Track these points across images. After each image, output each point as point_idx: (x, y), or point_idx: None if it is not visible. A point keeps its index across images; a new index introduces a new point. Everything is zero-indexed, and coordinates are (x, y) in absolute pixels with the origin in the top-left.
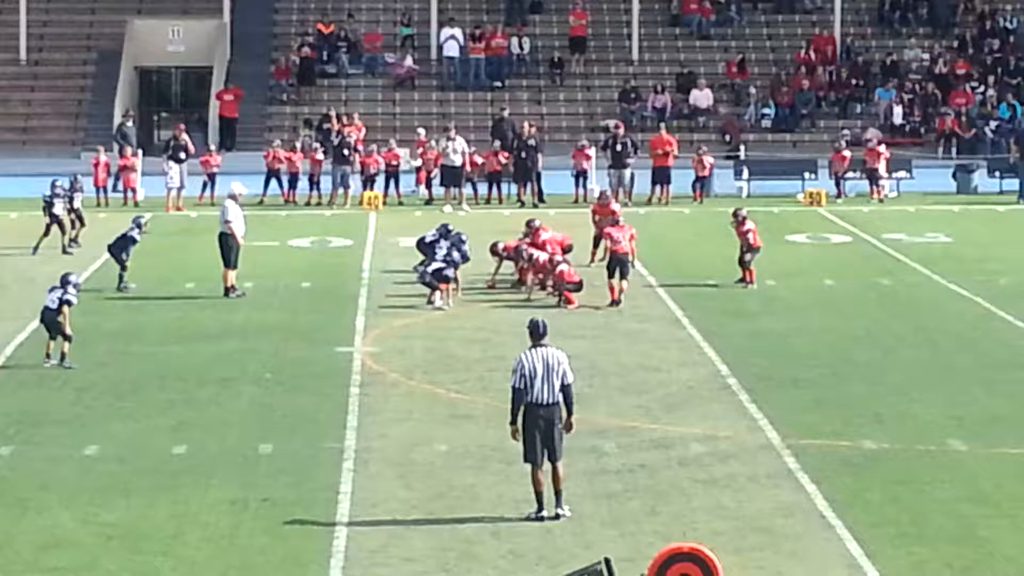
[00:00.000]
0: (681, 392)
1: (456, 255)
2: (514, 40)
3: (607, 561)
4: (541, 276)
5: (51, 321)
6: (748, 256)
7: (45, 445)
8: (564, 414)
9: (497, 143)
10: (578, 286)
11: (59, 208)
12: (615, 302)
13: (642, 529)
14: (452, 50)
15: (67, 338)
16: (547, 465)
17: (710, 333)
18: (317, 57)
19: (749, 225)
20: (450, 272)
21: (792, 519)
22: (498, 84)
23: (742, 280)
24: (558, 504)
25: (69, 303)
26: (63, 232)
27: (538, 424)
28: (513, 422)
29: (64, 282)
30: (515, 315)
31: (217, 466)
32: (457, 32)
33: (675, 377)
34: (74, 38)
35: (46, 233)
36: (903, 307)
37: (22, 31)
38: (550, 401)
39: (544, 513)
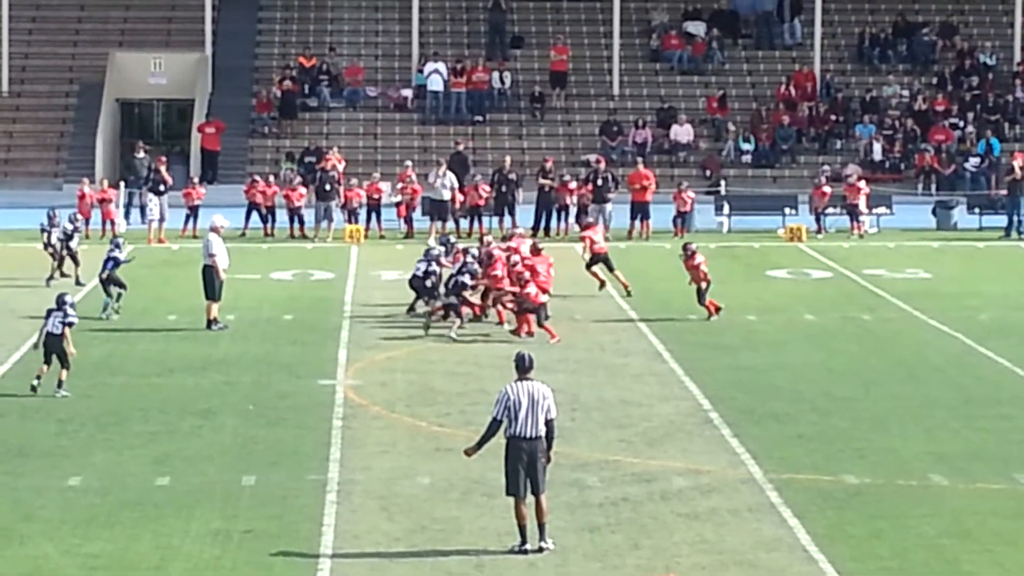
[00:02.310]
0: (663, 426)
1: (472, 264)
2: (495, 74)
3: None
4: (499, 288)
5: (56, 346)
6: (703, 288)
7: (28, 476)
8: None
9: (451, 176)
10: (534, 310)
11: (54, 238)
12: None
13: (625, 562)
14: (435, 84)
15: (65, 364)
16: (530, 498)
17: (692, 368)
18: (299, 90)
19: (699, 259)
20: (467, 279)
21: (775, 553)
22: (479, 118)
23: (709, 316)
24: (541, 537)
25: (71, 324)
26: (55, 261)
27: (521, 457)
28: (479, 446)
29: (60, 303)
30: (497, 348)
31: (200, 498)
32: (440, 66)
33: (657, 411)
34: (56, 70)
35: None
36: (883, 342)
37: (4, 62)
38: (533, 435)
39: (527, 546)
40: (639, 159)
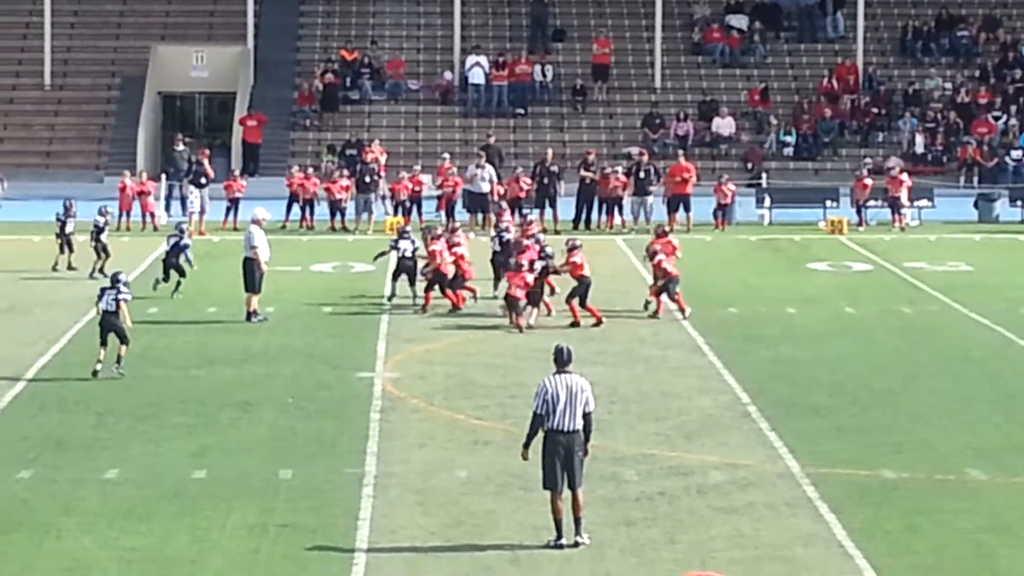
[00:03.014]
0: (701, 420)
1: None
2: (537, 67)
3: None
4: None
5: (112, 324)
6: (671, 287)
7: (66, 469)
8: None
9: (489, 169)
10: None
11: (70, 227)
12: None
13: (661, 557)
14: (477, 77)
15: (124, 340)
16: (567, 492)
17: (730, 360)
18: (340, 83)
19: (660, 257)
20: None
21: (811, 548)
22: (521, 111)
23: (653, 312)
24: (577, 532)
25: (125, 300)
26: (71, 251)
27: (558, 451)
28: (527, 444)
29: (115, 281)
30: (535, 341)
31: (237, 491)
32: (482, 59)
33: (695, 404)
34: (98, 63)
35: (99, 256)
36: (923, 335)
37: (46, 56)
38: (571, 428)
39: (563, 541)
40: (680, 152)
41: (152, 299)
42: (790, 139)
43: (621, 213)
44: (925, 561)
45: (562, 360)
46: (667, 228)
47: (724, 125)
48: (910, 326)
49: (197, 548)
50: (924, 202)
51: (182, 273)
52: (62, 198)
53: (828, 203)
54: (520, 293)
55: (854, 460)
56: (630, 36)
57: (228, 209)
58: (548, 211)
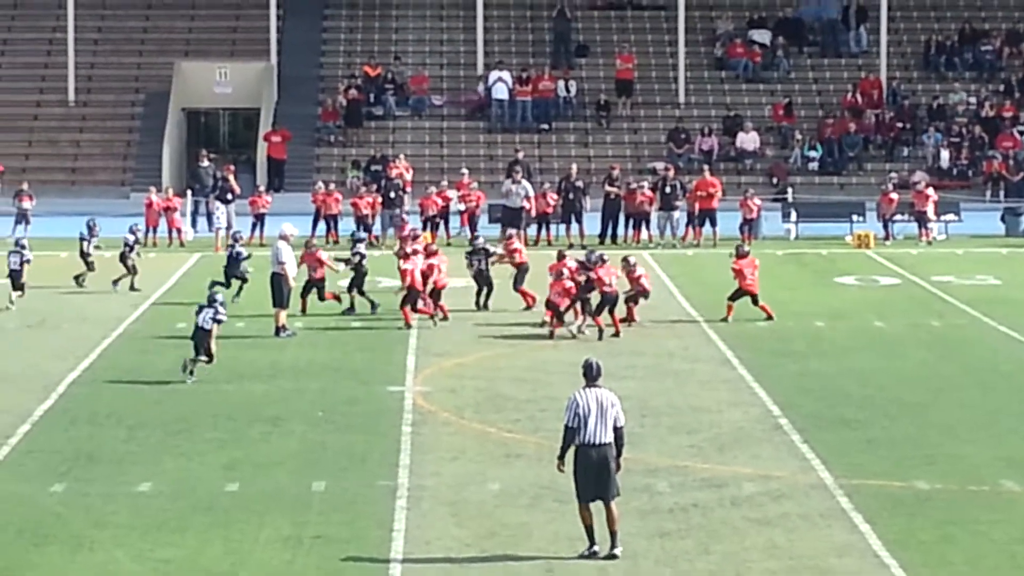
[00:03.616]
0: (733, 432)
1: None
2: (561, 83)
3: None
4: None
5: (203, 340)
6: (641, 300)
7: (98, 482)
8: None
9: (526, 184)
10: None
11: (91, 247)
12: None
13: (695, 568)
14: (500, 92)
15: (210, 357)
16: (599, 505)
17: (760, 374)
18: (364, 99)
19: (640, 271)
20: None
21: (846, 559)
22: (545, 126)
23: (626, 320)
24: (613, 545)
25: (220, 321)
26: (91, 270)
27: (591, 464)
28: (562, 457)
29: (211, 300)
30: (565, 355)
31: (270, 504)
32: (505, 75)
33: (726, 417)
34: (122, 79)
35: (130, 272)
36: (952, 349)
37: (70, 72)
38: (603, 441)
39: (596, 548)
40: (706, 166)
41: (181, 314)
42: (815, 153)
43: (648, 228)
44: (960, 571)
45: (591, 374)
46: (747, 248)
47: (748, 140)
48: (938, 339)
49: (230, 560)
50: (951, 216)
51: (244, 280)
52: (88, 214)
53: (854, 217)
54: (559, 299)
55: (886, 472)
56: (653, 51)
57: (254, 225)
58: (574, 226)
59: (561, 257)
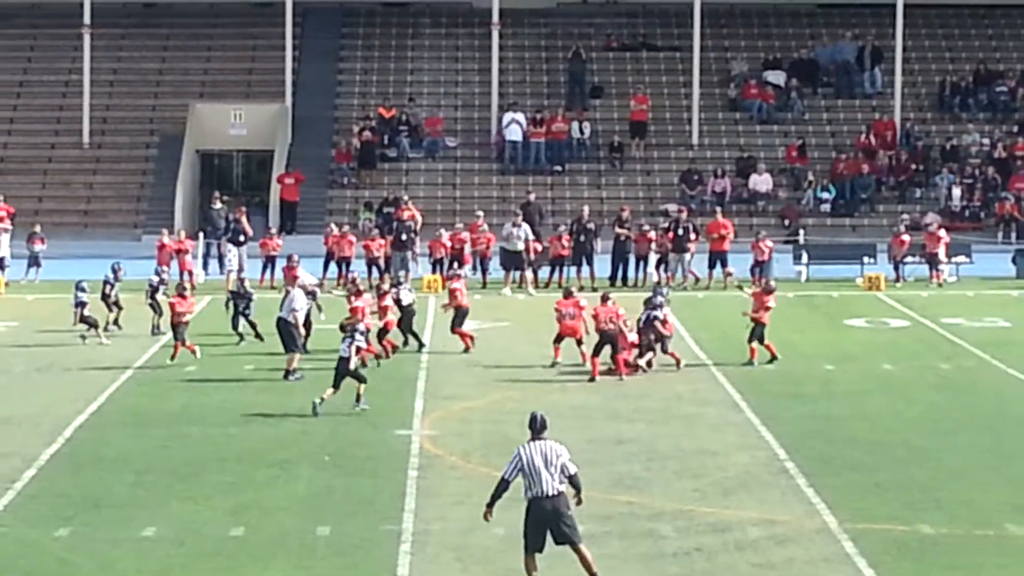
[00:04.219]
0: (739, 476)
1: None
2: (575, 124)
3: None
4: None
5: (346, 369)
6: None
7: (104, 527)
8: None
9: (525, 228)
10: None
11: (114, 291)
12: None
13: None
14: (514, 134)
15: (362, 380)
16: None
17: (769, 417)
18: (378, 141)
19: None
20: (659, 314)
21: None
22: (558, 168)
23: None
24: None
25: (359, 348)
26: (120, 310)
27: (545, 516)
28: (490, 505)
29: (353, 329)
30: (572, 398)
31: (275, 548)
32: (519, 116)
33: (733, 461)
34: (136, 121)
35: (156, 312)
36: (962, 392)
37: (85, 114)
38: (555, 492)
39: None
40: (718, 208)
41: (191, 358)
42: (827, 195)
43: (657, 269)
44: None
45: (536, 427)
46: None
47: (761, 182)
48: (948, 382)
49: None
50: (962, 258)
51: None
52: (100, 257)
53: (866, 259)
54: (626, 355)
55: (893, 516)
56: (668, 92)
57: (264, 266)
58: (585, 268)
59: (605, 299)
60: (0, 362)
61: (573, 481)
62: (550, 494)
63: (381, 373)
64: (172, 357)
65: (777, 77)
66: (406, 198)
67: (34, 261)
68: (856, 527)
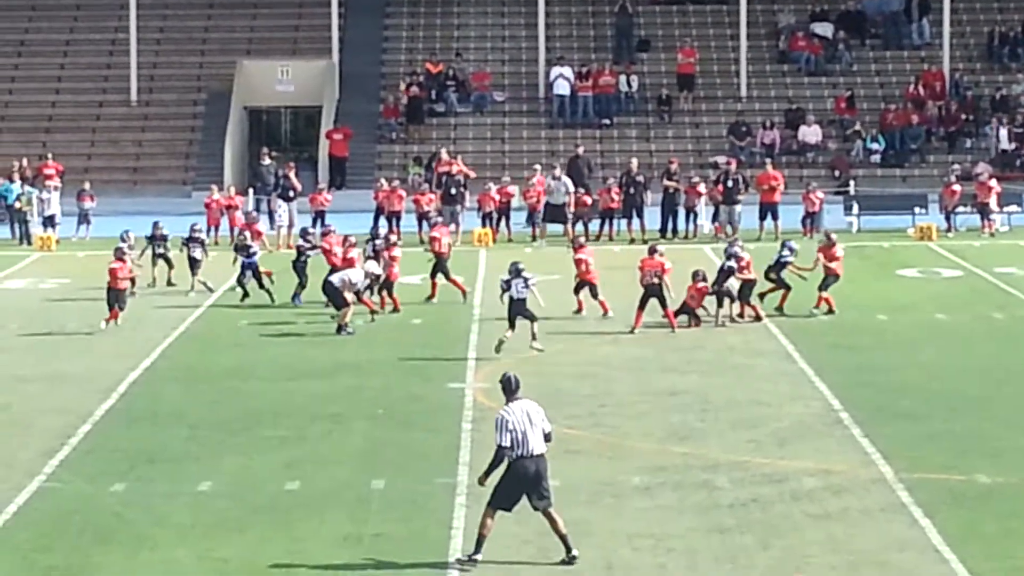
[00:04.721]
0: (793, 427)
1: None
2: (622, 78)
3: None
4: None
5: (521, 309)
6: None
7: (159, 482)
8: None
9: (566, 180)
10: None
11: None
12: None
13: (755, 563)
14: (562, 88)
15: (534, 319)
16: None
17: (821, 368)
18: (426, 96)
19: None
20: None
21: (906, 553)
22: (606, 122)
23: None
24: (568, 549)
25: (534, 285)
26: (171, 267)
27: (528, 475)
28: (488, 474)
29: (517, 271)
30: (624, 350)
31: (330, 502)
32: (566, 71)
33: (787, 411)
34: (184, 79)
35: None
36: (1015, 341)
37: (133, 72)
38: (539, 452)
39: (478, 556)
40: (767, 160)
41: (241, 314)
42: (877, 146)
43: (696, 220)
44: (1022, 564)
45: (511, 388)
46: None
47: (811, 133)
48: (1001, 331)
49: (291, 559)
50: (1013, 207)
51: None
52: (150, 213)
53: (917, 210)
54: (695, 303)
55: (948, 465)
56: (715, 45)
57: (314, 222)
58: (635, 221)
59: (653, 251)
60: (52, 319)
61: (549, 438)
62: (535, 454)
63: (432, 328)
64: (108, 321)
65: (825, 29)
66: (444, 152)
67: (84, 218)
68: (911, 476)
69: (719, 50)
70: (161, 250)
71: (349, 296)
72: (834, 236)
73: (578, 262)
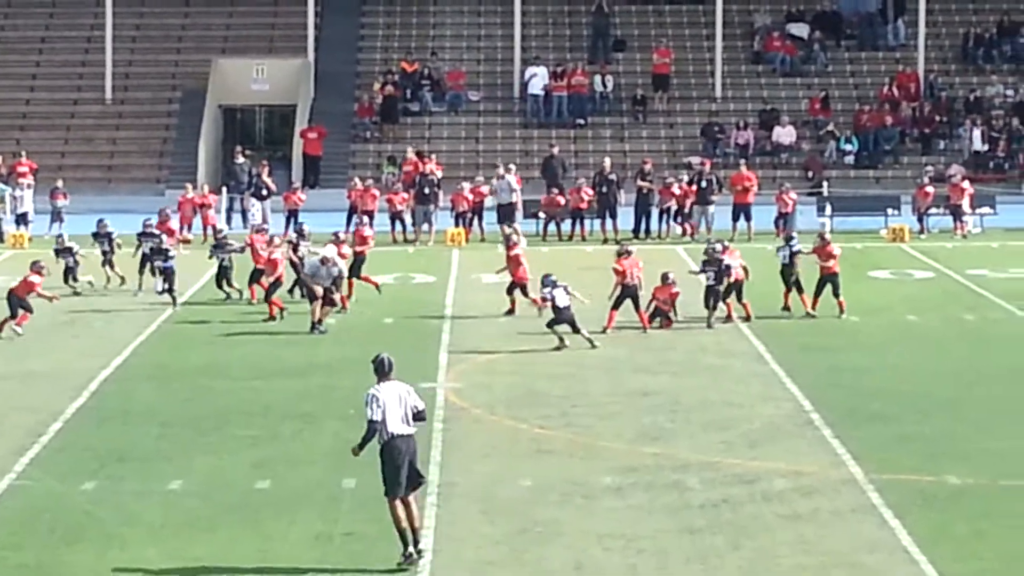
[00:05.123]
0: (765, 427)
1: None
2: (597, 78)
3: None
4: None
5: (568, 316)
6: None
7: (130, 480)
8: None
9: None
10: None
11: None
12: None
13: (725, 564)
14: (536, 88)
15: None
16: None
17: (793, 369)
18: (401, 95)
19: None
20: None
21: (876, 554)
22: (581, 122)
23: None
24: (416, 543)
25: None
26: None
27: (401, 456)
28: (362, 447)
29: (553, 283)
30: (598, 351)
31: (301, 501)
32: (541, 70)
33: (758, 412)
34: (159, 77)
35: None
36: (986, 343)
37: (107, 70)
38: (408, 432)
39: (411, 551)
40: (741, 161)
41: (213, 312)
42: (851, 147)
43: (676, 221)
44: (991, 566)
45: (384, 370)
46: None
47: (785, 134)
48: (973, 333)
49: (262, 557)
50: (986, 209)
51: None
52: (123, 211)
53: (890, 211)
54: (668, 307)
55: (918, 467)
56: (690, 46)
57: (287, 221)
58: (608, 221)
59: (628, 252)
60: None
61: (421, 416)
62: (404, 434)
63: (404, 327)
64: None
65: (800, 29)
66: (410, 152)
67: (57, 216)
68: (882, 478)
69: (694, 50)
70: (106, 247)
71: (318, 290)
72: (827, 235)
73: (512, 258)
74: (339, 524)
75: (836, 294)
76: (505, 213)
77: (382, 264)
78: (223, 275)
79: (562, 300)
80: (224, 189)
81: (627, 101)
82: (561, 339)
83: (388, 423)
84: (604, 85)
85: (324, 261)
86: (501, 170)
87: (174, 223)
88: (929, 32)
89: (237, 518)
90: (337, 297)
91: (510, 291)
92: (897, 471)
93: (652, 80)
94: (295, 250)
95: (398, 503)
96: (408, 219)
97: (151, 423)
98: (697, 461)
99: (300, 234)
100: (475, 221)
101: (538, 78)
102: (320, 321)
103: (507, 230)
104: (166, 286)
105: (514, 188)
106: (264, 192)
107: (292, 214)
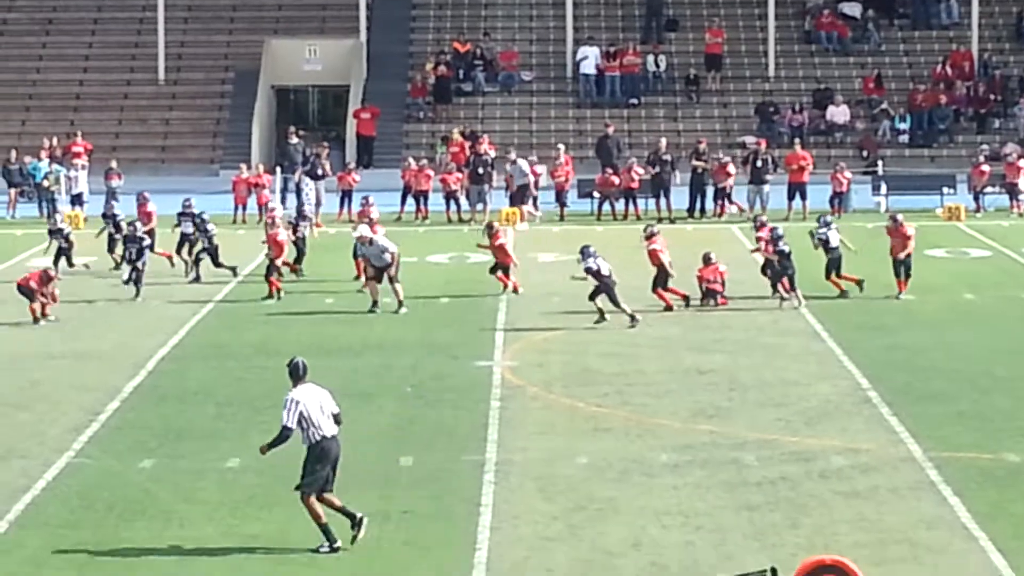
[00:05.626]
0: (822, 405)
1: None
2: (650, 58)
3: (774, 571)
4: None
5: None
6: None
7: (187, 458)
8: None
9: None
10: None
11: (188, 228)
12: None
13: (784, 541)
14: (588, 68)
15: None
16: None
17: (850, 347)
18: (453, 75)
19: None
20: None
21: (934, 531)
22: (634, 101)
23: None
24: (352, 515)
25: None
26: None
27: (329, 457)
28: (270, 448)
29: (592, 254)
30: (653, 330)
31: (358, 479)
32: (594, 50)
33: (815, 391)
34: (212, 58)
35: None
36: None
37: (160, 51)
38: (332, 434)
39: (338, 544)
40: (796, 140)
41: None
42: (905, 126)
43: (730, 201)
44: None
45: (299, 373)
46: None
47: (839, 113)
48: None
49: (318, 536)
50: None
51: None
52: (177, 191)
53: (945, 190)
54: (716, 286)
55: (976, 444)
56: (743, 25)
57: (341, 200)
58: (663, 200)
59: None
60: (81, 296)
61: (339, 419)
62: (331, 435)
63: (460, 306)
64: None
65: (853, 8)
66: (455, 133)
67: (111, 196)
68: (940, 455)
69: (747, 30)
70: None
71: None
72: (900, 216)
73: (498, 248)
74: (396, 502)
75: (908, 274)
76: (518, 196)
77: (437, 243)
78: (210, 255)
79: (604, 268)
80: (278, 169)
81: (680, 81)
82: (601, 312)
83: (320, 425)
84: (657, 65)
85: (360, 240)
86: (514, 155)
87: (151, 207)
88: (982, 10)
89: (294, 496)
90: (386, 275)
91: (493, 271)
92: (955, 449)
93: (705, 60)
94: (295, 230)
95: (314, 500)
96: (463, 199)
97: (208, 402)
98: (754, 439)
99: (300, 214)
100: (530, 201)
101: (590, 58)
102: (376, 303)
103: (493, 221)
104: (133, 276)
105: (526, 172)
106: (319, 172)
107: (346, 194)
